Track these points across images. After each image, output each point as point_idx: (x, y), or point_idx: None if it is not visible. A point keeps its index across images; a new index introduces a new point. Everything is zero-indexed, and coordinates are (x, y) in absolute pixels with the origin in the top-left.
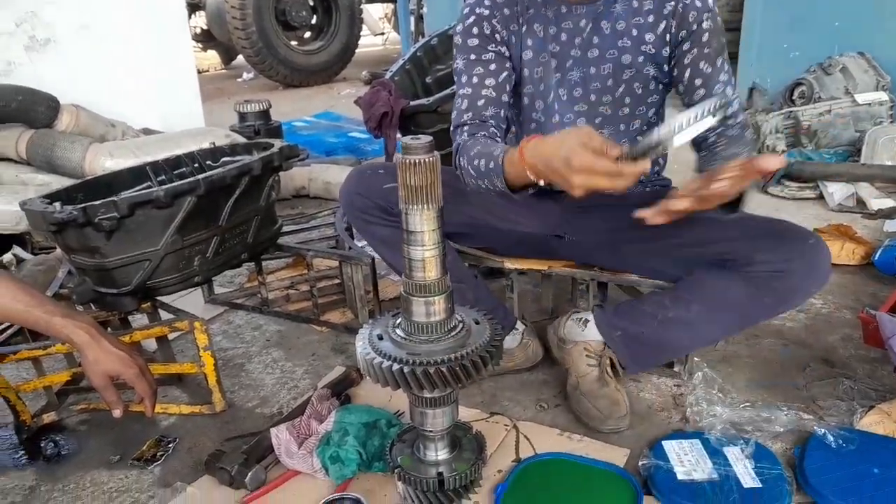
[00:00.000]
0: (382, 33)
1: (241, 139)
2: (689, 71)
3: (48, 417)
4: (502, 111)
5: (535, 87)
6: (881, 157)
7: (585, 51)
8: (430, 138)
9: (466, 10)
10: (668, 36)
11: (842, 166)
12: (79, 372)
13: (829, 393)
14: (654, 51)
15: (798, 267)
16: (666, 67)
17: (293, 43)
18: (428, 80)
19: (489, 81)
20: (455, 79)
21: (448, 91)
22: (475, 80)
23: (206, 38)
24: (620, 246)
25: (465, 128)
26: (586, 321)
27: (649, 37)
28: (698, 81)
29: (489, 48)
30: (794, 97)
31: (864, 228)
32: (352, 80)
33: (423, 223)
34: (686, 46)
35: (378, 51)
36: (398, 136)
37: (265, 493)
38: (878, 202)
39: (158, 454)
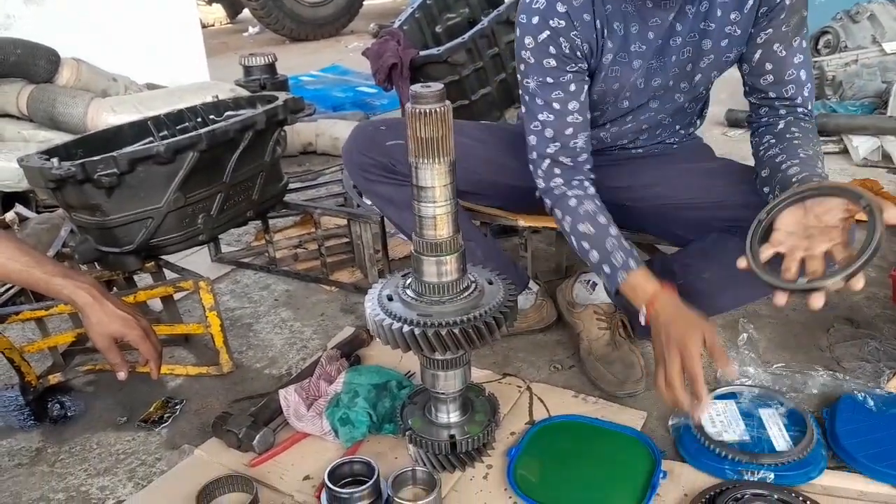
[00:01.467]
0: None
1: (244, 93)
2: (760, 52)
3: (54, 378)
4: (589, 130)
5: (608, 86)
6: None
7: (668, 39)
8: (441, 86)
9: (536, 21)
10: (754, 13)
11: (867, 119)
12: (84, 332)
13: (854, 354)
14: (738, 31)
15: None
16: (746, 48)
17: None
18: (438, 29)
19: (572, 105)
20: (525, 97)
21: (459, 40)
22: (557, 106)
23: None
24: (633, 205)
25: (556, 170)
26: (594, 284)
27: (734, 16)
28: (768, 66)
29: (568, 69)
30: (819, 46)
31: (889, 183)
32: (360, 33)
33: (434, 178)
34: (763, 23)
35: (386, 3)
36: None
37: (273, 456)
38: None
39: (165, 416)
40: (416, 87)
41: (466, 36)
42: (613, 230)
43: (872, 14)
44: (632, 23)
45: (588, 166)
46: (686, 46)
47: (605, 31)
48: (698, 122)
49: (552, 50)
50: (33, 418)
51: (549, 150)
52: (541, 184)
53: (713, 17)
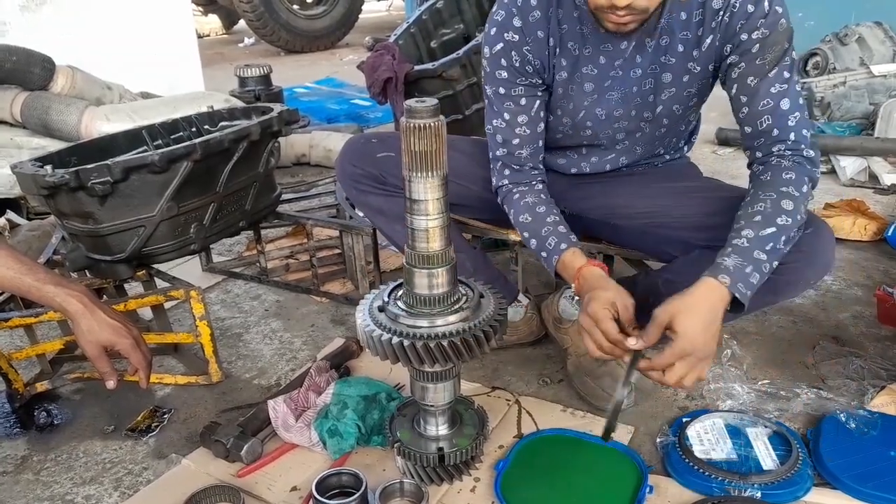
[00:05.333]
0: None
1: (240, 104)
2: (735, 86)
3: (41, 386)
4: (539, 143)
5: (565, 106)
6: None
7: (628, 70)
8: (435, 101)
9: (493, 32)
10: (714, 51)
11: (855, 140)
12: (72, 340)
13: (839, 372)
14: (698, 69)
15: (791, 259)
16: (712, 82)
17: (295, 7)
18: (433, 44)
19: (521, 118)
20: (485, 100)
21: (453, 56)
22: (507, 115)
23: (207, 2)
24: (618, 222)
25: (506, 171)
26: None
27: (696, 53)
28: (743, 98)
29: (519, 82)
30: (807, 68)
31: (876, 204)
32: (355, 46)
33: (427, 191)
34: (733, 60)
35: (382, 17)
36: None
37: (261, 467)
38: (891, 177)
39: (153, 425)
40: (411, 102)
41: (461, 51)
42: (551, 217)
43: (860, 37)
44: (585, 46)
45: (535, 171)
46: (647, 78)
47: (558, 49)
48: (685, 147)
49: (504, 62)
50: (19, 426)
51: (498, 153)
52: (493, 181)
53: (674, 51)
